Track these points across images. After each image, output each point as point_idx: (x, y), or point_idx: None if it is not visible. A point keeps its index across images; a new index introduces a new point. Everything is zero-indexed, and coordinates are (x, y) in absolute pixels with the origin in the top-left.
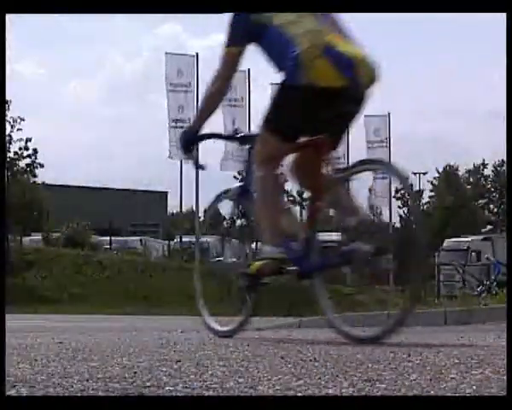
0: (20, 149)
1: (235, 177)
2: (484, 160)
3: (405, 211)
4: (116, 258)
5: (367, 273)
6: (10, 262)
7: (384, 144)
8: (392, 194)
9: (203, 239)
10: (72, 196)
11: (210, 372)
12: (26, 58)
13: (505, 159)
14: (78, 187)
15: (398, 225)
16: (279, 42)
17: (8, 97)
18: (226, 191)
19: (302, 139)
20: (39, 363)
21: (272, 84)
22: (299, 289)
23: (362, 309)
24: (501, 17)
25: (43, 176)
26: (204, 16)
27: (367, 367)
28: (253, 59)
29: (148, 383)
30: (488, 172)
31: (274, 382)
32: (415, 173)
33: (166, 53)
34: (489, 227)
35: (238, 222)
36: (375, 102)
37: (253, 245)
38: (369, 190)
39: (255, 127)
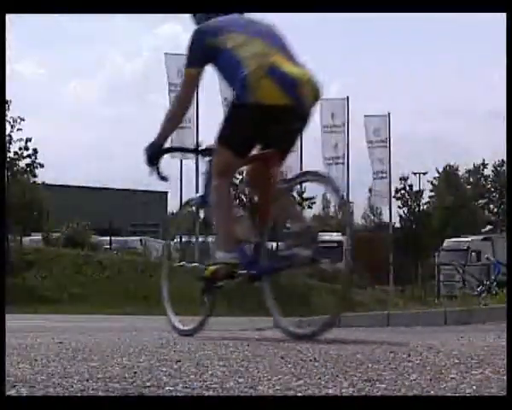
0: (20, 149)
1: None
2: (484, 160)
3: (405, 211)
4: (116, 258)
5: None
6: (10, 262)
7: (384, 144)
8: (392, 194)
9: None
10: (72, 196)
11: (210, 372)
12: (26, 58)
13: (505, 159)
14: (78, 187)
15: (398, 225)
16: (230, 64)
17: (8, 97)
18: (190, 200)
19: (253, 153)
20: (39, 363)
21: None
22: (299, 289)
23: (362, 309)
24: (501, 17)
25: (43, 176)
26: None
27: (367, 367)
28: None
29: (148, 383)
30: (488, 172)
31: (274, 382)
32: (415, 173)
33: (166, 53)
34: (489, 227)
35: (198, 230)
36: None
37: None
38: (369, 189)
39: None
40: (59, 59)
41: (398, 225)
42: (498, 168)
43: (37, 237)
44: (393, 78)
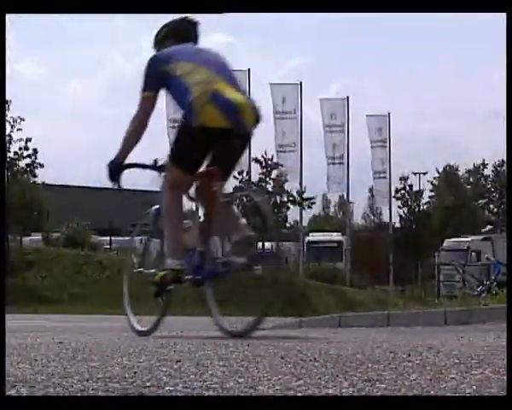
0: (20, 149)
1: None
2: (484, 160)
3: (405, 211)
4: (116, 258)
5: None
6: (10, 262)
7: (385, 144)
8: (393, 194)
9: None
10: (72, 196)
11: (210, 372)
12: (26, 58)
13: (505, 159)
14: (78, 187)
15: (398, 225)
16: (179, 90)
17: (8, 97)
18: (148, 212)
19: (201, 170)
20: (39, 363)
21: (271, 84)
22: (299, 290)
23: (362, 309)
24: (501, 17)
25: (43, 176)
26: (204, 16)
27: (367, 367)
28: (253, 59)
29: (148, 383)
30: (488, 172)
31: (274, 382)
32: (415, 173)
33: None
34: (489, 227)
35: (153, 238)
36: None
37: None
38: (370, 189)
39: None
40: (59, 59)
41: (398, 225)
42: (498, 168)
43: (37, 237)
44: (393, 78)
